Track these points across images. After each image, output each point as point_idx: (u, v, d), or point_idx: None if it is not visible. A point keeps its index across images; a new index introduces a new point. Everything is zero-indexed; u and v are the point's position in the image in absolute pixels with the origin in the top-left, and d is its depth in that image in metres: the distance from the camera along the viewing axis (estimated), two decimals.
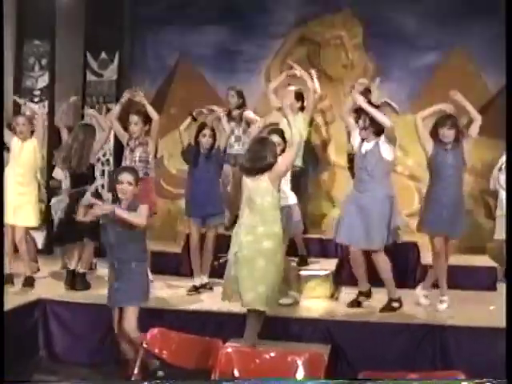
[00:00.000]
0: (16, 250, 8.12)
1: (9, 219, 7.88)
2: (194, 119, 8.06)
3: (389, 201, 7.05)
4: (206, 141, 7.78)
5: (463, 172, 7.44)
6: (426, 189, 7.53)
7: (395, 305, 7.25)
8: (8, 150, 8.10)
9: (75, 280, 7.99)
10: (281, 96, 8.51)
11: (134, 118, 8.03)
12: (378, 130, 7.02)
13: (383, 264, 7.16)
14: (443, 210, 7.20)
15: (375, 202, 7.03)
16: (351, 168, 8.06)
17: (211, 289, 7.95)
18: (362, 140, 7.16)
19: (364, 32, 10.50)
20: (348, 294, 7.92)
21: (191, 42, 10.88)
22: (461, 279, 7.99)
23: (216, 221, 7.99)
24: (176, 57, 11.06)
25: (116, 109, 8.31)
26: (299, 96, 8.72)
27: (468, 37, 10.00)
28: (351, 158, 8.47)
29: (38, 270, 8.75)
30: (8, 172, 7.96)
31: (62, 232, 8.17)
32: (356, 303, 7.43)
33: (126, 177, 6.09)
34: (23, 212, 7.98)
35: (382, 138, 7.03)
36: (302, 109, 8.73)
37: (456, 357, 6.59)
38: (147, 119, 8.09)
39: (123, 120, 8.18)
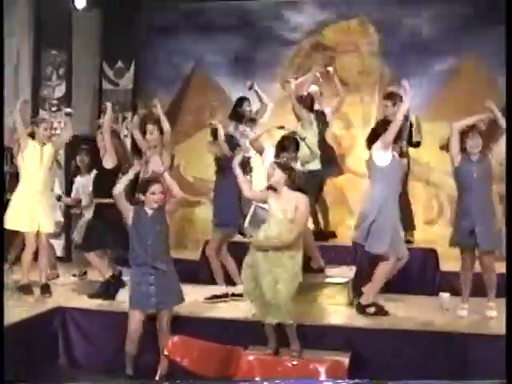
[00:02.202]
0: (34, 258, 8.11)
1: (27, 227, 7.88)
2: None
3: None
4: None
5: (491, 184, 7.30)
6: (456, 202, 7.45)
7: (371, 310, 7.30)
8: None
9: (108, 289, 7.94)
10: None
11: (150, 128, 8.02)
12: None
13: None
14: (472, 223, 7.11)
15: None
16: None
17: (236, 295, 7.80)
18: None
19: (379, 38, 10.48)
20: None
21: (206, 50, 10.93)
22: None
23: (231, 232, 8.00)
24: (191, 65, 11.09)
25: (135, 119, 8.29)
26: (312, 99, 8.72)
27: (484, 42, 9.97)
28: None
29: (58, 276, 8.79)
30: (24, 178, 7.94)
31: (88, 239, 8.13)
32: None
33: (158, 188, 6.33)
34: (42, 218, 7.94)
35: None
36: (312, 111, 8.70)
37: (476, 365, 6.56)
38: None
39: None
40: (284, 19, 10.77)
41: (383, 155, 7.06)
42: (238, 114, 9.03)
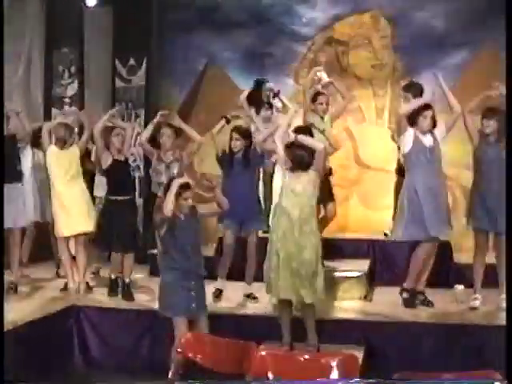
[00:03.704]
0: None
1: (65, 231, 7.93)
2: (228, 122, 7.99)
3: None
4: (234, 144, 7.70)
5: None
6: (472, 184, 7.51)
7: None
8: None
9: (124, 291, 7.92)
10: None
11: (167, 131, 7.92)
12: (435, 122, 7.22)
13: None
14: (488, 205, 7.20)
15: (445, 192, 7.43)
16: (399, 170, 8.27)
17: (255, 299, 7.71)
18: (416, 136, 7.20)
19: (392, 32, 10.42)
20: (381, 294, 7.91)
21: (219, 46, 10.89)
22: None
23: (254, 226, 7.80)
24: (204, 61, 11.05)
25: (148, 128, 8.11)
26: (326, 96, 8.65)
27: (496, 35, 9.88)
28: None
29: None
30: (52, 183, 8.00)
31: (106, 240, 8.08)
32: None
33: (189, 194, 6.34)
34: (77, 219, 7.96)
35: (437, 129, 7.23)
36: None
37: (490, 356, 6.53)
38: (179, 131, 8.07)
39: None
40: (297, 14, 10.70)
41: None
42: (257, 97, 8.87)
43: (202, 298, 6.42)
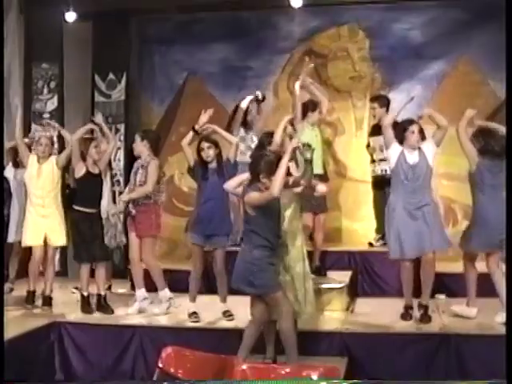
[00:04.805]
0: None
1: (34, 241, 7.97)
2: (197, 133, 7.75)
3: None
4: (207, 154, 7.49)
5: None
6: (473, 205, 7.40)
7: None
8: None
9: (100, 304, 7.95)
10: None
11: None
12: (423, 136, 7.20)
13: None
14: (492, 225, 7.02)
15: (433, 207, 7.22)
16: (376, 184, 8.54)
17: (231, 316, 7.59)
18: (402, 153, 7.18)
19: (370, 43, 10.49)
20: (362, 305, 7.93)
21: (199, 60, 10.89)
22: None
23: (219, 242, 7.59)
24: (184, 75, 11.07)
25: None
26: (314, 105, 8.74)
27: (474, 44, 9.98)
28: (377, 176, 8.54)
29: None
30: (28, 194, 8.04)
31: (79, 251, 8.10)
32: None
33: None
34: (51, 233, 8.03)
35: (425, 144, 7.18)
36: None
37: (472, 366, 6.56)
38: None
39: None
40: (276, 28, 10.74)
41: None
42: (247, 121, 9.12)
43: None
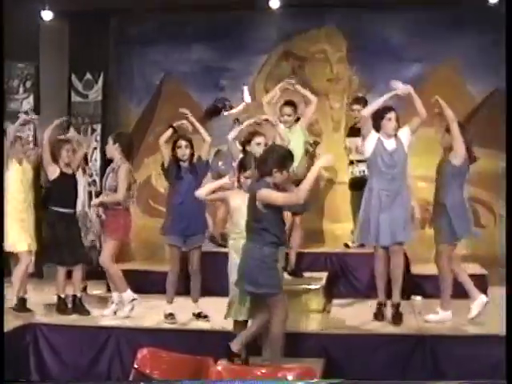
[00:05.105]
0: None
1: (19, 247, 7.92)
2: (175, 131, 7.69)
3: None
4: (183, 152, 7.50)
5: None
6: (434, 197, 7.46)
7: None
8: None
9: (76, 306, 7.90)
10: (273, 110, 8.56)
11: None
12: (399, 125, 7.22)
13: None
14: (449, 216, 7.15)
15: (406, 197, 7.23)
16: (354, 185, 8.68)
17: (206, 317, 7.59)
18: (379, 140, 7.19)
19: (348, 46, 10.52)
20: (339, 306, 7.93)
21: (176, 60, 10.90)
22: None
23: (196, 241, 7.64)
24: (161, 76, 11.05)
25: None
26: (294, 107, 8.73)
27: (453, 48, 10.02)
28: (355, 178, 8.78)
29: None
30: (7, 198, 7.91)
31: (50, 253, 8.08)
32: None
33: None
34: (25, 237, 7.97)
35: (401, 130, 7.20)
36: (297, 120, 8.72)
37: (447, 366, 6.59)
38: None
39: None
40: (254, 29, 10.73)
41: None
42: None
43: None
